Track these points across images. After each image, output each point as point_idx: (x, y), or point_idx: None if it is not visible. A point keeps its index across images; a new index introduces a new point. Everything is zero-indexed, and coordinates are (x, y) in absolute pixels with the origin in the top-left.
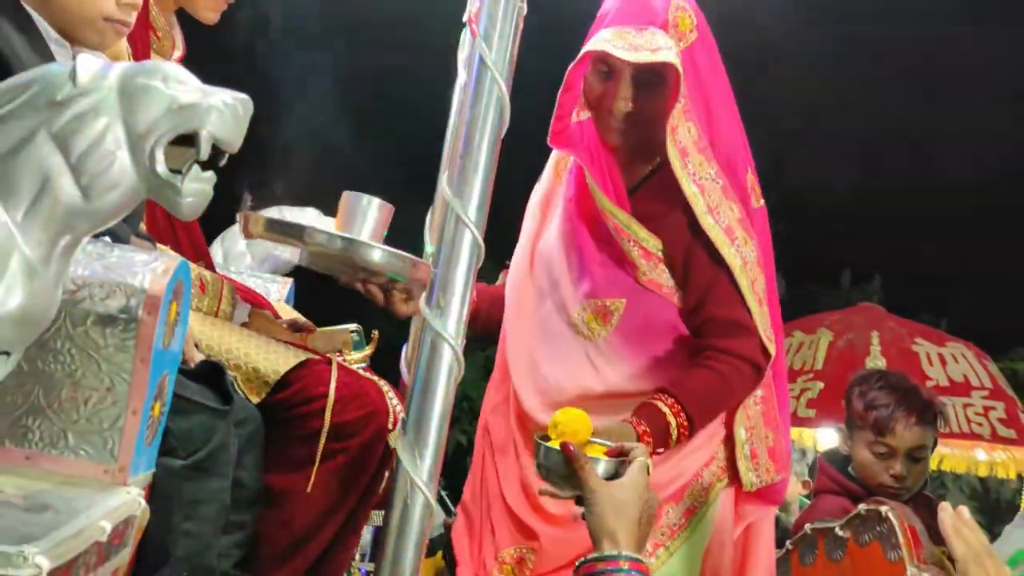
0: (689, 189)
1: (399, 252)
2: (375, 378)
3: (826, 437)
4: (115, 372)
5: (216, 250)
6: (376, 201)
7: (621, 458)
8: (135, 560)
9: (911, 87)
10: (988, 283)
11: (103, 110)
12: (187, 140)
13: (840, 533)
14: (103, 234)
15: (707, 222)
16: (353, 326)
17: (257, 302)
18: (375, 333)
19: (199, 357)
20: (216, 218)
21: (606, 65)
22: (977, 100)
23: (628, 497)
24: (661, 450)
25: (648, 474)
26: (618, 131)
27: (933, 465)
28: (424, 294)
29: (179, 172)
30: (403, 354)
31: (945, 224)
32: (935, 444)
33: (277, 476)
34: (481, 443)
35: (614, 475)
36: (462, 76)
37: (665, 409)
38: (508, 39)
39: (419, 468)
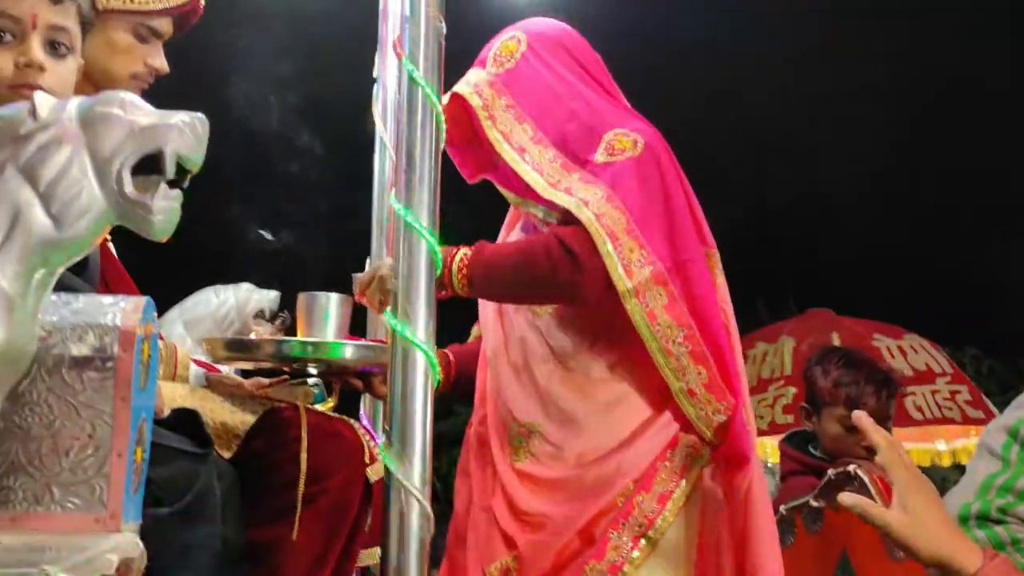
0: (530, 176)
1: (369, 343)
2: (345, 418)
3: None
4: (95, 416)
5: (174, 319)
6: (335, 297)
7: None
8: None
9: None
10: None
11: (66, 140)
12: (150, 168)
13: (815, 504)
14: (63, 291)
15: (547, 191)
16: (313, 379)
17: (210, 368)
18: (335, 385)
19: (168, 409)
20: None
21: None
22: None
23: None
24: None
25: None
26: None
27: None
28: (389, 306)
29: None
30: (362, 403)
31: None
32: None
33: (261, 529)
34: (466, 456)
35: None
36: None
37: (457, 255)
38: (433, 58)
39: (410, 475)
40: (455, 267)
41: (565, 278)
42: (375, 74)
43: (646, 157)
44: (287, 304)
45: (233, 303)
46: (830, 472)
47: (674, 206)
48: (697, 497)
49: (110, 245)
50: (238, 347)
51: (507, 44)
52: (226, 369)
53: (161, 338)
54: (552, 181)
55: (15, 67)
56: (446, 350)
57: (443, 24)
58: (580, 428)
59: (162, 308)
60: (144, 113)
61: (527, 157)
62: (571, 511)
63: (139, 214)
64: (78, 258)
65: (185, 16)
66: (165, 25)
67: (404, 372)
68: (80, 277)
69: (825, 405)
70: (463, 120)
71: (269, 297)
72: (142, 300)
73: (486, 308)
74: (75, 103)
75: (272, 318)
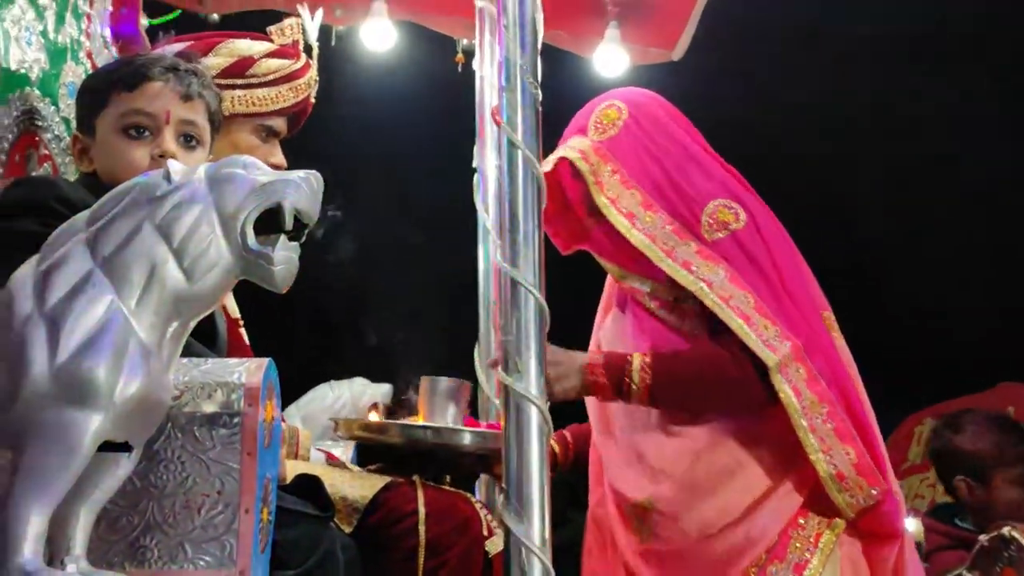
0: (642, 243)
1: (486, 431)
2: (462, 492)
3: None
4: (224, 472)
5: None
6: (454, 382)
7: None
8: None
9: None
10: None
11: (197, 199)
12: (271, 226)
13: (968, 575)
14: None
15: (663, 262)
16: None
17: (330, 456)
18: (447, 479)
19: (291, 475)
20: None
21: (578, 179)
22: None
23: None
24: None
25: None
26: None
27: None
28: (501, 364)
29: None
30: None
31: None
32: None
33: None
34: (589, 537)
35: None
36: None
37: (634, 359)
38: (531, 123)
39: (529, 533)
40: (635, 370)
41: (751, 380)
42: (475, 164)
43: (750, 231)
44: (401, 394)
45: (348, 397)
46: (982, 539)
47: (785, 279)
48: (835, 568)
49: (242, 331)
50: (367, 429)
51: (607, 112)
52: (345, 458)
53: (283, 420)
54: (667, 248)
55: (151, 159)
56: (564, 431)
57: (539, 91)
58: (699, 496)
59: (283, 404)
60: (264, 172)
61: (638, 223)
62: None
63: (261, 265)
64: (206, 312)
65: (298, 115)
66: (281, 124)
67: (519, 427)
68: (212, 349)
69: (995, 468)
70: (555, 190)
71: (382, 391)
72: (264, 361)
73: None
74: (203, 167)
75: (386, 410)
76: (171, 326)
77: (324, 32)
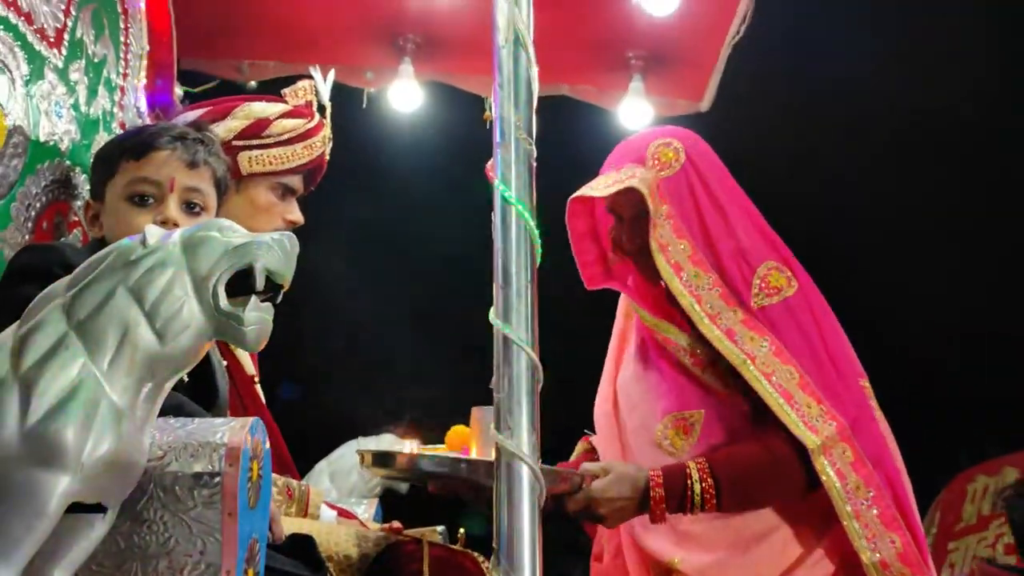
0: (685, 300)
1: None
2: (469, 551)
3: None
4: (205, 533)
5: (322, 470)
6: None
7: None
8: None
9: None
10: None
11: (170, 263)
12: (245, 289)
13: None
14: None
15: (705, 326)
16: (440, 528)
17: (343, 512)
18: (461, 532)
19: (286, 533)
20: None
21: (614, 212)
22: None
23: None
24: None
25: None
26: (635, 262)
27: None
28: (493, 423)
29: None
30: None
31: None
32: None
33: None
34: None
35: None
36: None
37: (691, 469)
38: (524, 179)
39: None
40: (697, 497)
41: (800, 475)
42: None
43: (800, 297)
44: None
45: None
46: None
47: (831, 349)
48: None
49: (258, 387)
50: (384, 461)
51: (665, 151)
52: (362, 515)
53: (298, 477)
54: (711, 313)
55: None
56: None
57: (533, 147)
58: (728, 561)
59: (314, 462)
60: (239, 234)
61: (684, 276)
62: None
63: (233, 326)
64: (181, 373)
65: (313, 172)
66: (297, 182)
67: (509, 486)
68: (211, 410)
69: None
70: (586, 217)
71: (410, 446)
72: (249, 420)
73: (601, 426)
74: (180, 231)
75: None
76: (145, 387)
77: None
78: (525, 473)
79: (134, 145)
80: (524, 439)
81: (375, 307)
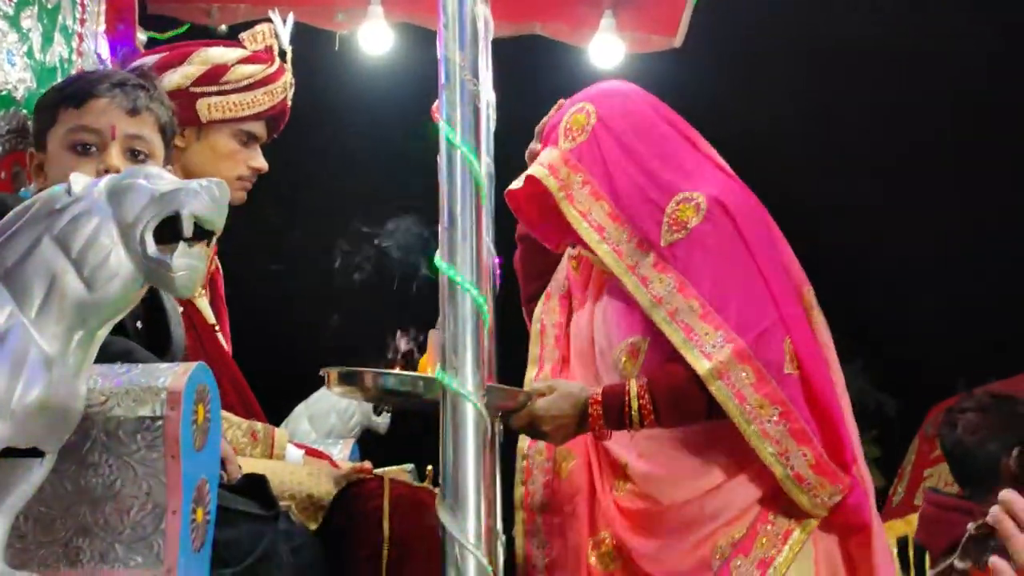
0: (610, 259)
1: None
2: (432, 488)
3: None
4: (150, 475)
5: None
6: None
7: None
8: None
9: None
10: None
11: (96, 211)
12: (175, 235)
13: (960, 565)
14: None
15: (627, 279)
16: (408, 465)
17: (311, 452)
18: (429, 469)
19: (240, 474)
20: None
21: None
22: None
23: None
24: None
25: None
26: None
27: None
28: (439, 362)
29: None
30: None
31: None
32: None
33: None
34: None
35: None
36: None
37: (631, 386)
38: (469, 120)
39: (464, 529)
40: (632, 396)
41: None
42: None
43: (709, 222)
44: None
45: None
46: (970, 527)
47: (760, 261)
48: (808, 564)
49: (218, 335)
50: (347, 380)
51: (577, 117)
52: (337, 455)
53: (264, 420)
54: (630, 264)
55: (96, 175)
56: None
57: (479, 87)
58: (666, 472)
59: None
60: (166, 182)
61: (607, 235)
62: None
63: (161, 273)
64: (116, 319)
65: (276, 118)
66: (260, 129)
67: (455, 425)
68: (164, 356)
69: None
70: (538, 198)
71: None
72: (192, 364)
73: (549, 368)
74: (107, 179)
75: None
76: (76, 334)
77: (327, 37)
78: (470, 411)
79: (73, 93)
80: (469, 378)
81: (347, 260)
